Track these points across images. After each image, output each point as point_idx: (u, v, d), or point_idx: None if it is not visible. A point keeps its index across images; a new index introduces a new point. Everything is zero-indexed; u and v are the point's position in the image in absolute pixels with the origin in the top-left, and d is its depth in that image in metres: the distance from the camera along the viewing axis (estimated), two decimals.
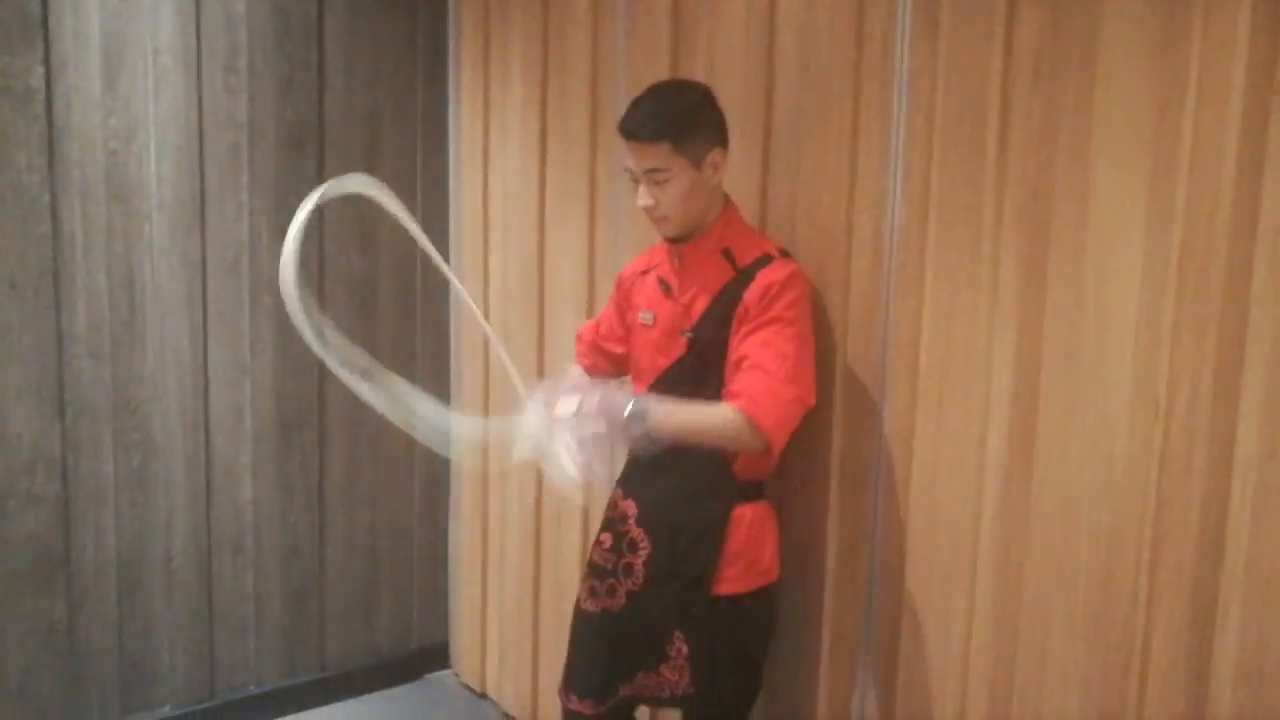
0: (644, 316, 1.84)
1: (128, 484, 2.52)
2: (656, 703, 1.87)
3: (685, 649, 1.77)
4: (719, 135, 1.71)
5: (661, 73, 2.12)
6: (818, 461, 1.86)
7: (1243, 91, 1.24)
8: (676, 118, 1.64)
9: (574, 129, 2.43)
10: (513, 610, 2.80)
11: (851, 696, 1.84)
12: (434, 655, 3.14)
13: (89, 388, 2.43)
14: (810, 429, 1.86)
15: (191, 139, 2.52)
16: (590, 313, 2.39)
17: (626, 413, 1.57)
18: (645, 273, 1.88)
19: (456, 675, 3.12)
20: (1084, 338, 1.44)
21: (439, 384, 3.03)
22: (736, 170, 1.95)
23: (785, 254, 1.74)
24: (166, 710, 2.65)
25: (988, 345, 1.57)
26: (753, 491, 1.78)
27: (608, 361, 2.01)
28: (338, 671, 2.95)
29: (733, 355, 1.68)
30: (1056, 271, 1.47)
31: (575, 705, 1.85)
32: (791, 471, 1.91)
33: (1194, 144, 1.30)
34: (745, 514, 1.75)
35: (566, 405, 1.60)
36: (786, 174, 1.89)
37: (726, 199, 1.78)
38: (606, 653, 1.83)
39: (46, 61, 2.29)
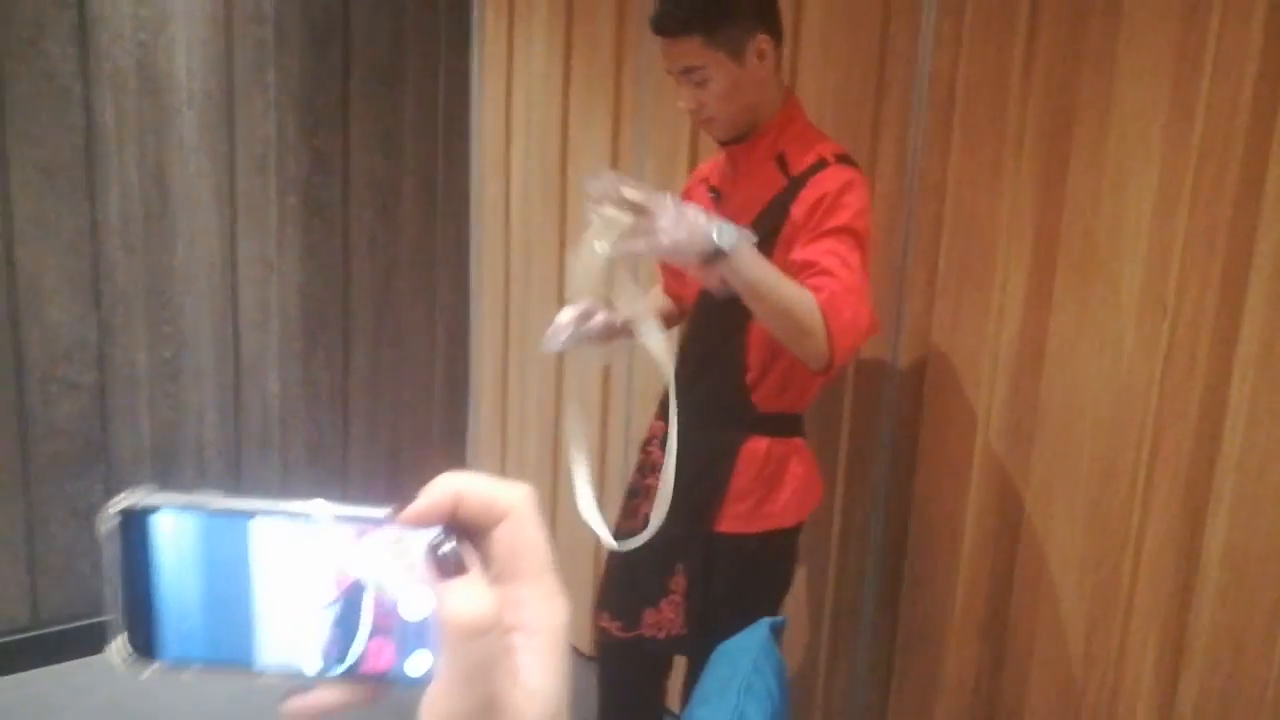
0: None
1: (160, 374, 2.61)
2: (660, 649, 1.72)
3: (684, 583, 1.64)
4: (762, 20, 1.49)
5: None
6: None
7: (1266, 2, 1.28)
8: (705, 5, 1.46)
9: (599, 28, 2.44)
10: None
11: (860, 587, 1.94)
12: None
13: (123, 278, 2.50)
14: None
15: (219, 33, 2.54)
16: None
17: (715, 231, 1.28)
18: (704, 180, 1.72)
19: None
20: (1098, 240, 1.50)
21: (458, 288, 3.09)
22: None
23: (845, 159, 1.51)
24: None
25: (1005, 249, 1.63)
26: (774, 425, 1.60)
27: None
28: None
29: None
30: (1075, 178, 1.52)
31: (605, 623, 1.72)
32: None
33: (1216, 53, 1.34)
34: (759, 448, 1.58)
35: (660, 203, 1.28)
36: (814, 80, 1.92)
37: (787, 92, 1.58)
38: (628, 575, 1.71)
39: None
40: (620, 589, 1.73)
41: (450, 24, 2.94)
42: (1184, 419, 1.42)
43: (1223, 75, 1.34)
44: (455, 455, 3.23)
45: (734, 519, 1.59)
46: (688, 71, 1.49)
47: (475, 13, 2.95)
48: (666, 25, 1.47)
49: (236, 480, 2.79)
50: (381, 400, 3.04)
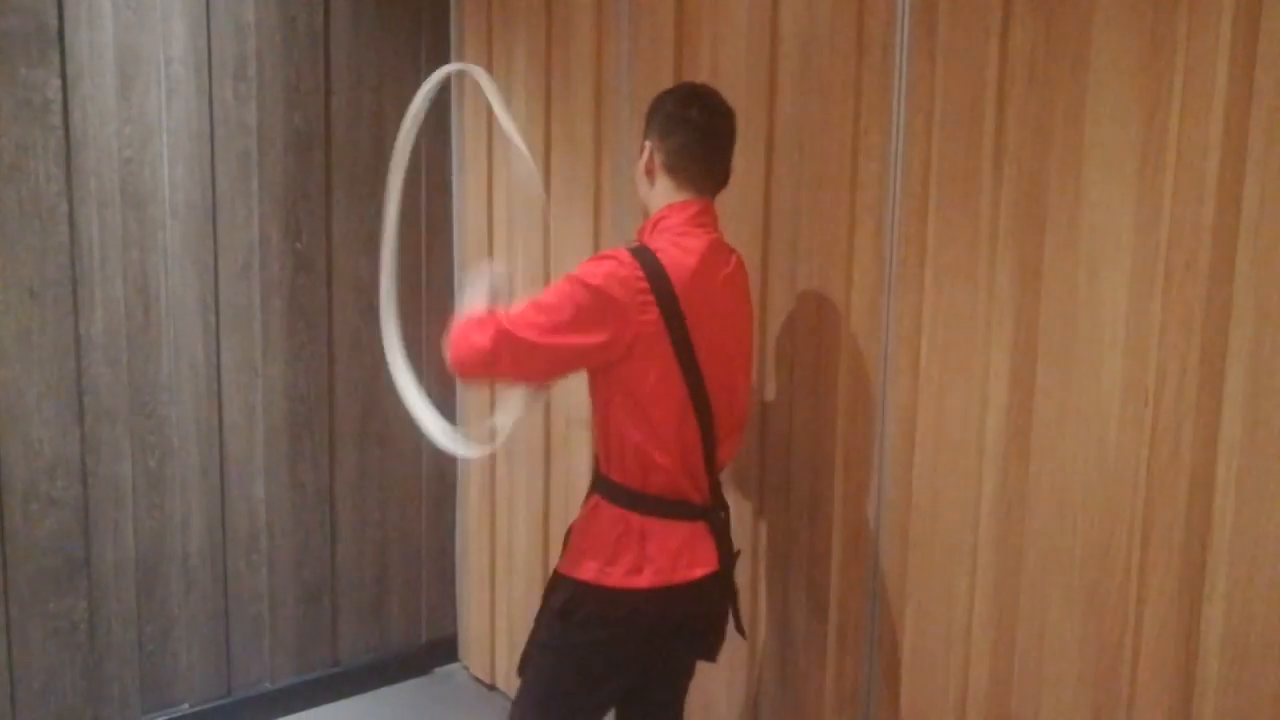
0: None
1: (145, 485, 2.58)
2: None
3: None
4: (651, 129, 1.76)
5: (665, 80, 2.19)
6: (821, 450, 1.94)
7: (1225, 96, 1.33)
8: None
9: (579, 137, 2.50)
10: (521, 602, 2.87)
11: (859, 673, 1.92)
12: (443, 649, 3.21)
13: (107, 392, 2.49)
14: (814, 419, 1.95)
15: (203, 146, 2.58)
16: None
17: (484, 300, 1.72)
18: None
19: (466, 668, 3.19)
20: (1077, 329, 1.52)
21: (443, 384, 3.09)
22: (740, 172, 2.03)
23: (634, 250, 1.63)
24: (185, 708, 2.71)
25: (985, 337, 1.65)
26: (608, 490, 1.72)
27: None
28: (350, 667, 3.01)
29: None
30: (1050, 268, 1.55)
31: None
32: (798, 458, 1.99)
33: (1179, 146, 1.38)
34: (596, 505, 1.73)
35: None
36: (789, 175, 1.96)
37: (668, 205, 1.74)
38: None
39: (63, 73, 2.34)
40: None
41: (430, 128, 3.01)
42: (1173, 504, 1.42)
43: (1186, 165, 1.38)
44: (445, 550, 3.20)
45: (564, 558, 1.75)
46: None
47: (454, 116, 3.02)
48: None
49: (224, 590, 2.74)
50: (368, 500, 3.02)
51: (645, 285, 1.58)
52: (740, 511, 2.13)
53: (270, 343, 2.75)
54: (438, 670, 3.19)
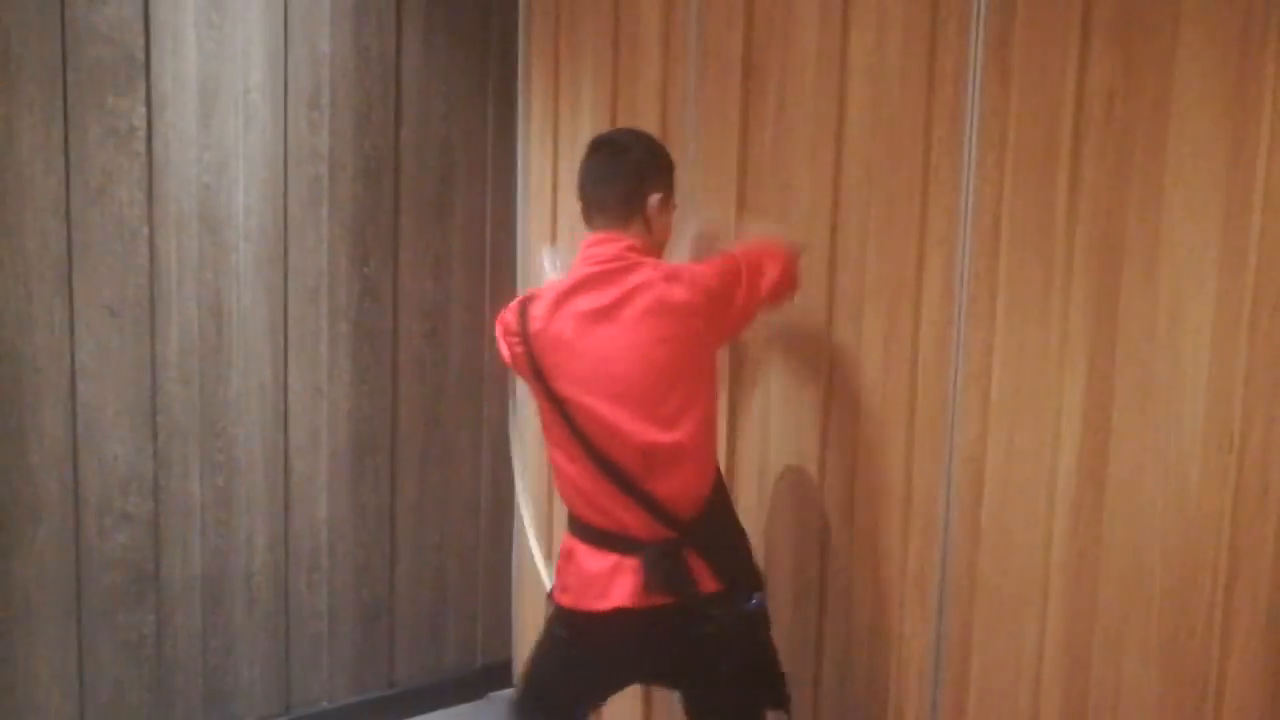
0: None
1: (213, 503, 2.63)
2: None
3: None
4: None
5: (731, 114, 2.19)
6: (885, 487, 1.91)
7: None
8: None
9: None
10: None
11: (922, 717, 1.87)
12: (498, 674, 3.21)
13: (179, 411, 2.55)
14: (878, 455, 1.92)
15: (277, 172, 2.65)
16: None
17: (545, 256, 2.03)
18: None
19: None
20: (1156, 371, 1.48)
21: (504, 408, 3.11)
22: (805, 205, 2.02)
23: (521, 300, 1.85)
24: None
25: (1058, 377, 1.61)
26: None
27: None
28: (405, 688, 3.03)
29: None
30: (1128, 309, 1.51)
31: None
32: (862, 497, 1.96)
33: (1266, 185, 1.34)
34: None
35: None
36: (857, 209, 1.94)
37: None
38: None
39: (148, 101, 2.42)
40: None
41: (497, 155, 3.05)
42: (1259, 555, 1.37)
43: (1274, 205, 1.33)
44: (502, 576, 3.21)
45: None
46: None
47: (520, 146, 3.05)
48: None
49: (285, 608, 2.78)
50: (428, 522, 3.04)
51: (515, 328, 1.79)
52: (803, 547, 2.10)
53: (336, 366, 2.80)
54: (492, 695, 3.19)
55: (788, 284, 1.93)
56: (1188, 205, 1.43)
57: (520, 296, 1.84)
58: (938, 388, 1.81)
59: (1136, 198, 1.49)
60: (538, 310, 1.76)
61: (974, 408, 1.75)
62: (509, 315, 1.81)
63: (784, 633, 2.16)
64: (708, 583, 1.76)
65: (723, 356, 2.23)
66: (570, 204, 2.82)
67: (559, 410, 1.74)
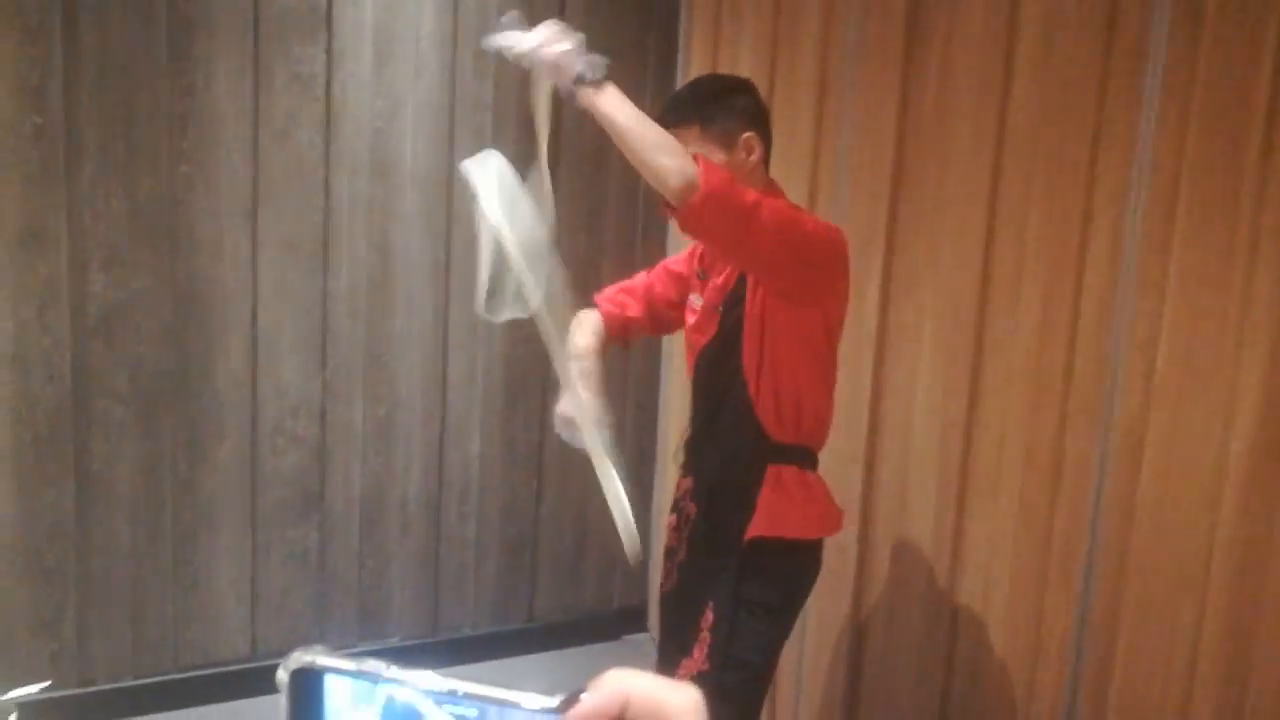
0: (693, 300, 1.89)
1: (374, 432, 2.80)
2: None
3: (712, 617, 1.76)
4: (752, 120, 1.74)
5: (893, 75, 2.12)
6: (1036, 454, 1.83)
7: None
8: (702, 101, 1.73)
9: (800, 136, 2.46)
10: None
11: (1059, 697, 1.80)
12: (633, 618, 3.29)
13: (346, 343, 2.72)
14: (1030, 421, 1.84)
15: (443, 120, 2.75)
16: None
17: (579, 63, 1.58)
18: (698, 259, 1.91)
19: (653, 639, 3.26)
20: None
21: (650, 359, 3.15)
22: (965, 161, 1.93)
23: None
24: (395, 640, 2.93)
25: (1236, 348, 1.50)
26: (788, 455, 1.77)
27: (649, 314, 1.98)
28: (544, 623, 3.15)
29: (752, 310, 1.71)
30: None
31: None
32: (1010, 460, 1.88)
33: None
34: (779, 473, 1.76)
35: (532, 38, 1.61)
36: (1020, 166, 1.85)
37: (770, 184, 1.78)
38: (668, 639, 1.91)
39: (329, 50, 2.56)
40: (663, 653, 1.92)
41: (656, 112, 3.05)
42: None
43: None
44: (641, 523, 3.26)
45: (755, 526, 1.73)
46: None
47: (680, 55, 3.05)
48: (668, 116, 1.71)
49: (436, 536, 2.93)
50: (573, 465, 3.12)
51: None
52: (942, 512, 2.05)
53: None
54: (626, 638, 3.28)
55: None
56: None
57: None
58: (1097, 355, 1.71)
59: None
60: None
61: (1136, 378, 1.65)
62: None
63: (917, 602, 2.12)
64: None
65: (872, 306, 2.19)
66: None
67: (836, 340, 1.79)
